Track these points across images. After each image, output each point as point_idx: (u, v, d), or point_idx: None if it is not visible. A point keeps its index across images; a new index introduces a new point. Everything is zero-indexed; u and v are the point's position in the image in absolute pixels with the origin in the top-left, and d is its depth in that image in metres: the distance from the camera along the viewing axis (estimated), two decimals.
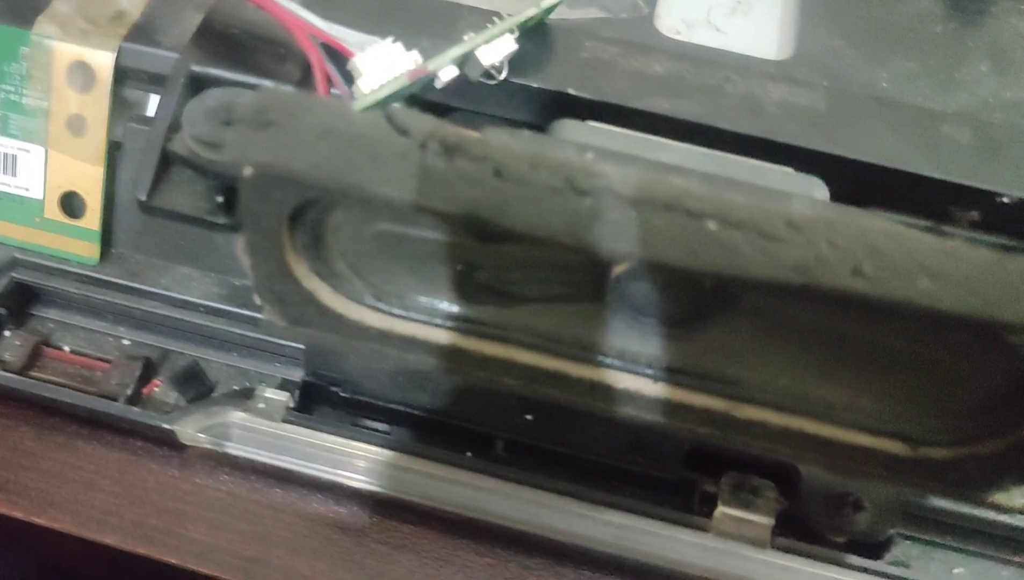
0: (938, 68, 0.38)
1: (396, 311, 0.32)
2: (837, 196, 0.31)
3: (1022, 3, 0.41)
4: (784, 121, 0.33)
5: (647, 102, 0.33)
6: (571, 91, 0.33)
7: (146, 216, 0.37)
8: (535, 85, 0.33)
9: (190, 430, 0.36)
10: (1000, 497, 0.30)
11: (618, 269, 0.31)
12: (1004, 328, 0.25)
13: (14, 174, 0.37)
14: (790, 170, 0.31)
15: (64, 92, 0.36)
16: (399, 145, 0.27)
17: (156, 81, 0.36)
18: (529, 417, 0.36)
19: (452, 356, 0.32)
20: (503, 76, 0.32)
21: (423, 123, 0.28)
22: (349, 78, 0.32)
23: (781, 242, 0.26)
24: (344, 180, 0.27)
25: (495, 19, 0.33)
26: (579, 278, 0.31)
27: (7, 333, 0.38)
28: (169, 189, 0.32)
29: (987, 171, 0.34)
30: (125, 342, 0.39)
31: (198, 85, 0.32)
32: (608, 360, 0.32)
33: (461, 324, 0.32)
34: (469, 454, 0.36)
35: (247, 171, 0.28)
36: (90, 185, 0.37)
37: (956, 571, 0.36)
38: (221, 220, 0.31)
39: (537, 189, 0.27)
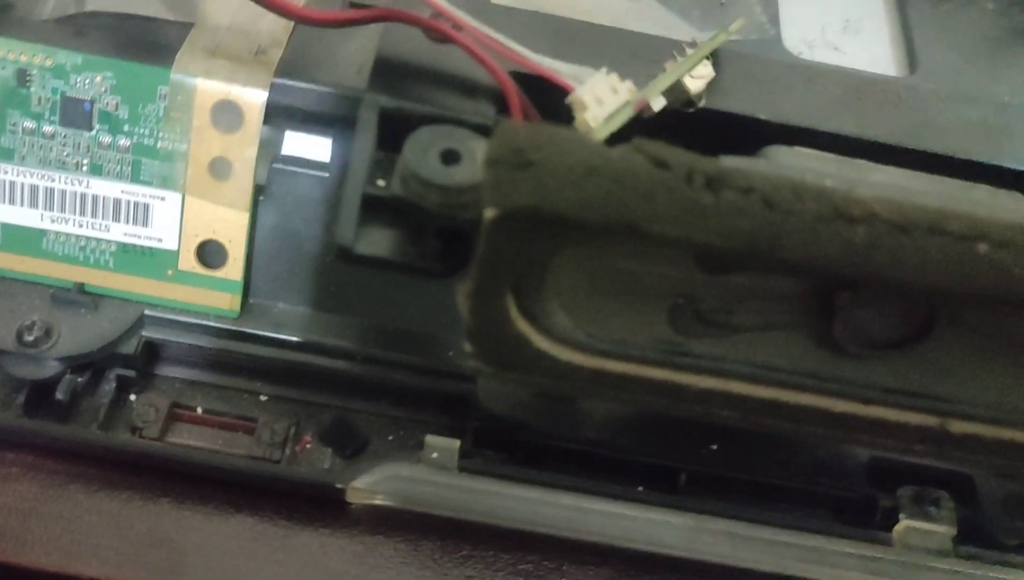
0: None
1: (609, 350, 0.31)
2: None
3: None
4: (967, 139, 0.33)
5: (835, 124, 0.33)
6: (762, 116, 0.33)
7: (284, 262, 0.35)
8: (733, 112, 0.32)
9: (362, 487, 0.34)
10: None
11: (842, 294, 0.31)
12: None
13: (146, 225, 0.34)
14: (992, 188, 0.32)
15: (206, 133, 0.33)
16: (663, 180, 0.27)
17: (308, 119, 0.34)
18: (714, 447, 0.35)
19: (669, 392, 0.31)
20: (702, 103, 0.32)
21: (679, 156, 0.27)
22: (554, 113, 0.31)
23: None
24: (617, 219, 0.26)
25: (685, 47, 0.32)
26: (798, 305, 0.31)
27: (133, 396, 0.35)
28: (370, 235, 0.29)
29: None
30: (262, 398, 0.36)
31: (386, 123, 0.31)
32: (824, 385, 0.31)
33: (677, 358, 0.31)
34: (642, 489, 0.35)
35: (491, 213, 0.27)
36: (233, 232, 0.34)
37: None
38: (437, 266, 0.29)
39: (808, 219, 0.27)
